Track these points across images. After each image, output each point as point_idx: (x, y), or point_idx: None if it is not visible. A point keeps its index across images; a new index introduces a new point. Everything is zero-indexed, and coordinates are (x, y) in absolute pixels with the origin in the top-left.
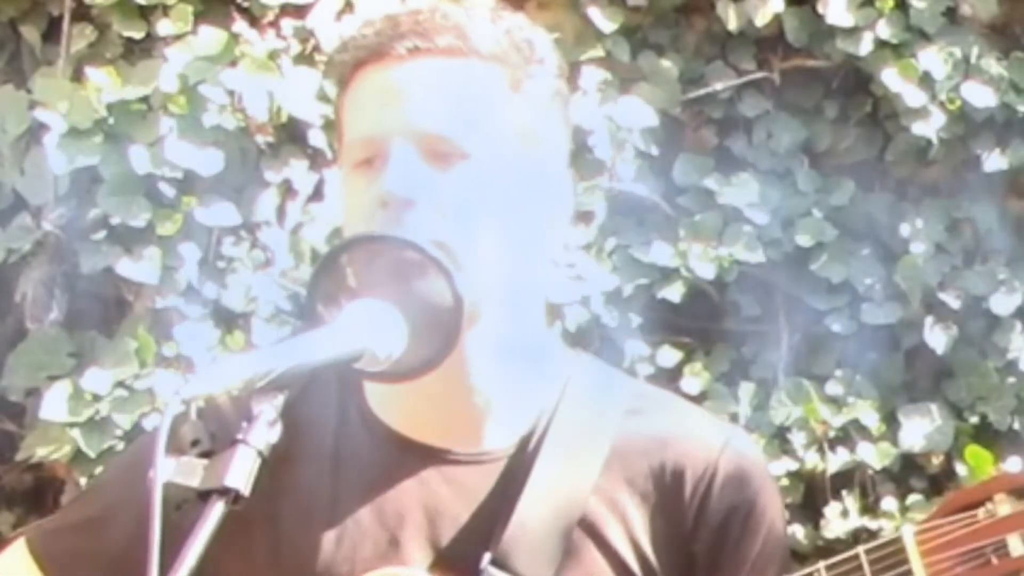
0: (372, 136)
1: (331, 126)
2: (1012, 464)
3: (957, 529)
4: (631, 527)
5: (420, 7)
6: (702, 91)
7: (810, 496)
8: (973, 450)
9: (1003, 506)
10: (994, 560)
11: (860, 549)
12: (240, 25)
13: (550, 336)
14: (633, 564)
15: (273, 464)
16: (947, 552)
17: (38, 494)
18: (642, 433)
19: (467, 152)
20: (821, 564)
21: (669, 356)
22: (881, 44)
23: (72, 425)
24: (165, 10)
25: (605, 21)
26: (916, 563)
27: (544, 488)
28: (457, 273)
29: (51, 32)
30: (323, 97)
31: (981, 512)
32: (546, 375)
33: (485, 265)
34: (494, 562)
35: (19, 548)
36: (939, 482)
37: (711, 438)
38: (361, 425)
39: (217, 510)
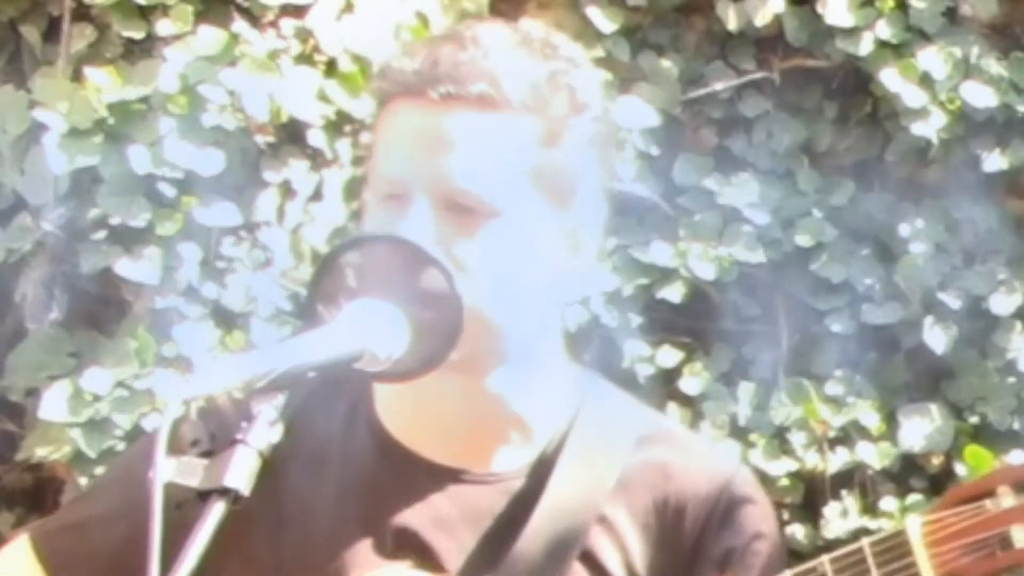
0: (398, 179)
1: (331, 126)
2: (1014, 457)
3: (961, 521)
4: (630, 558)
5: (464, 40)
6: (702, 91)
7: (810, 496)
8: (973, 450)
9: (1006, 498)
10: (998, 552)
11: (865, 542)
12: (240, 25)
13: (565, 362)
14: None
15: (277, 465)
16: (951, 544)
17: (38, 494)
18: (649, 464)
19: (494, 210)
20: (825, 557)
21: (669, 356)
22: (881, 44)
23: (72, 425)
24: (165, 10)
25: (605, 21)
26: (920, 555)
27: (551, 513)
28: (477, 323)
29: (51, 32)
30: (323, 97)
31: (985, 504)
32: (560, 399)
33: (507, 315)
34: None
35: (21, 545)
36: (939, 482)
37: (715, 474)
38: (368, 435)
39: (217, 510)
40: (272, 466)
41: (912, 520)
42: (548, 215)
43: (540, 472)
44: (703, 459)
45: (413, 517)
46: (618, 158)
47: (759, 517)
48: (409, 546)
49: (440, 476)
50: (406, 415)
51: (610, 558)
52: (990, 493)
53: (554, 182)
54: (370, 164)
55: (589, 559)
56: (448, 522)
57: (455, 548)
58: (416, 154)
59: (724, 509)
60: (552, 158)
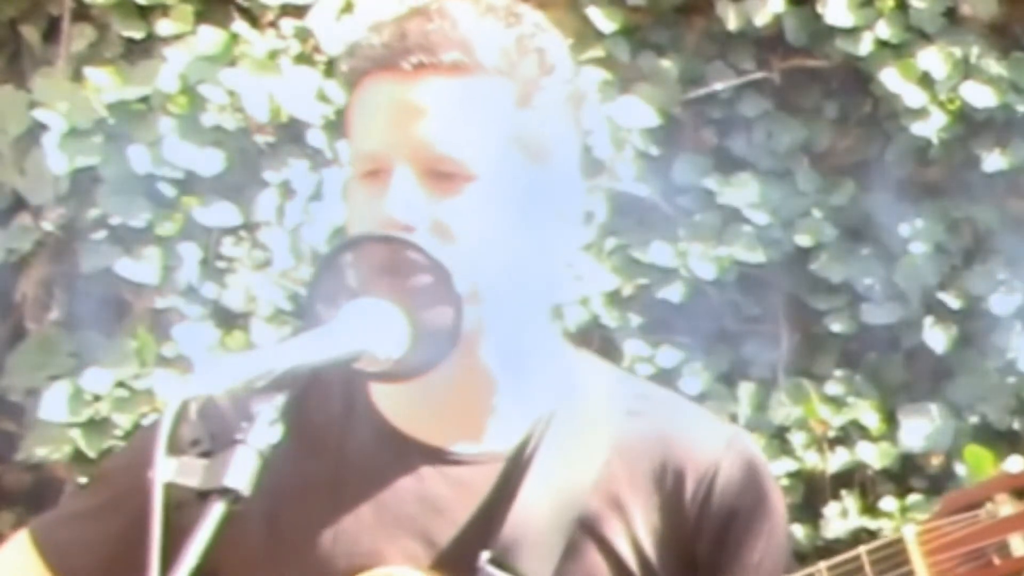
0: (376, 153)
1: (331, 126)
2: (1013, 464)
3: (959, 529)
4: (632, 527)
5: (431, 13)
6: (702, 91)
7: (810, 496)
8: (973, 450)
9: (1004, 506)
10: (996, 560)
11: (862, 549)
12: (240, 25)
13: (554, 336)
14: (633, 564)
15: (274, 462)
16: (949, 552)
17: (38, 494)
18: (643, 433)
19: (473, 173)
20: (822, 564)
21: (669, 356)
22: (881, 44)
23: (72, 425)
24: (165, 10)
25: (605, 21)
26: (918, 563)
27: (543, 487)
28: (464, 292)
29: (51, 32)
30: (323, 97)
31: (982, 512)
32: (548, 375)
33: (492, 282)
34: (492, 561)
35: (22, 539)
36: (939, 482)
37: (713, 439)
38: (365, 422)
39: (217, 510)
40: (271, 462)
41: (909, 528)
42: (527, 176)
43: (529, 448)
44: (700, 424)
45: (410, 499)
46: (592, 119)
47: (760, 479)
48: (407, 528)
49: (434, 457)
50: (400, 396)
51: (613, 529)
52: (988, 500)
53: (530, 143)
54: (349, 148)
55: (592, 530)
56: (443, 502)
57: (451, 528)
58: (393, 125)
59: (726, 471)
60: (527, 119)
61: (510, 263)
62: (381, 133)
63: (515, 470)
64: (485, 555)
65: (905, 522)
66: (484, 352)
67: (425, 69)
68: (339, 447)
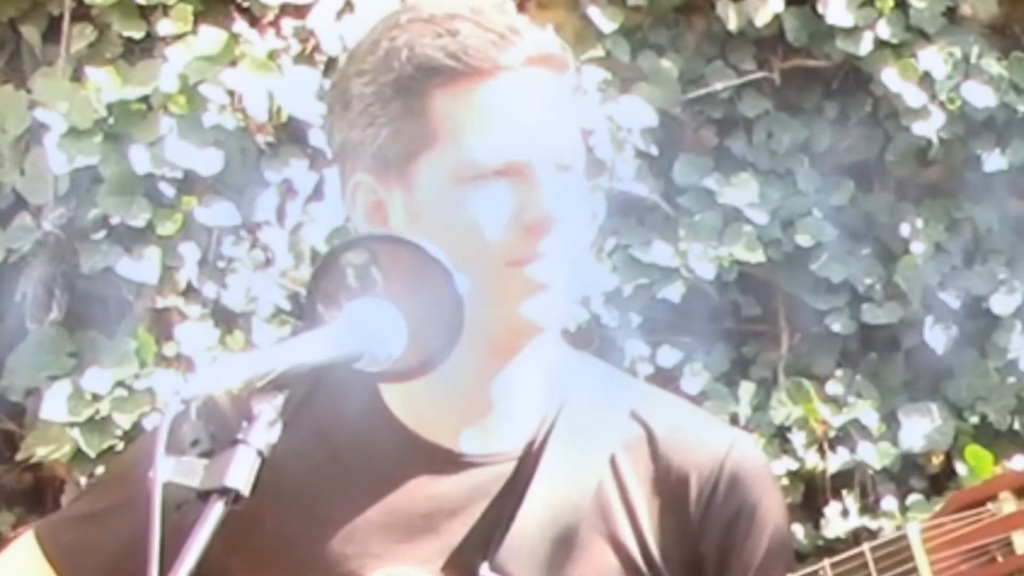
0: (516, 153)
1: None
2: (1017, 462)
3: (962, 527)
4: (639, 527)
5: (483, 12)
6: (702, 91)
7: (810, 496)
8: (973, 450)
9: (1007, 504)
10: (999, 557)
11: (865, 547)
12: (240, 25)
13: (557, 337)
14: (641, 564)
15: (280, 462)
16: (952, 550)
17: (38, 494)
18: (647, 436)
19: (575, 164)
20: (826, 562)
21: (669, 356)
22: (881, 44)
23: (72, 425)
24: (165, 10)
25: (605, 21)
26: (921, 561)
27: (547, 489)
28: (562, 287)
29: (51, 32)
30: (323, 97)
31: (986, 510)
32: (553, 377)
33: (574, 277)
34: (493, 567)
35: (28, 540)
36: (939, 482)
37: (716, 440)
38: (376, 421)
39: (217, 510)
40: (278, 462)
41: (913, 525)
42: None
43: (533, 452)
44: (703, 426)
45: (419, 499)
46: (586, 118)
47: (764, 478)
48: (417, 528)
49: (443, 456)
50: (410, 395)
51: (621, 528)
52: (992, 498)
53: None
54: (435, 155)
55: (601, 529)
56: (452, 502)
57: (461, 528)
58: (528, 122)
59: (729, 472)
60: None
61: (580, 259)
62: (518, 132)
63: (522, 471)
64: (485, 565)
65: (905, 522)
66: (519, 359)
67: (533, 62)
68: (349, 446)
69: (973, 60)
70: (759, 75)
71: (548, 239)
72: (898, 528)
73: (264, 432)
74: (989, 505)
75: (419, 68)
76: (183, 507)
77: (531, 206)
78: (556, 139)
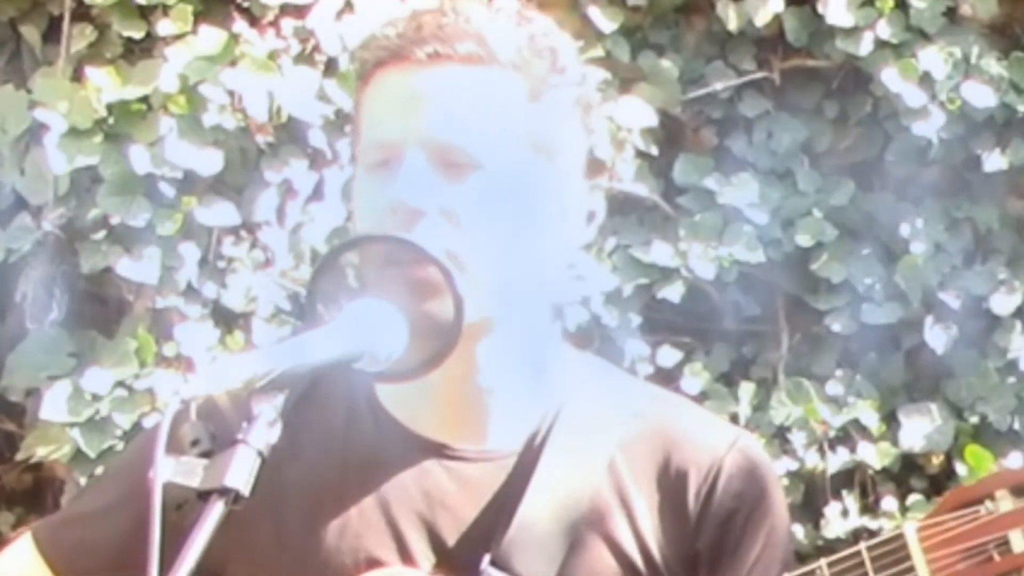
0: (387, 141)
1: (331, 126)
2: (1013, 460)
3: (959, 525)
4: (637, 525)
5: (445, 10)
6: (702, 91)
7: (810, 496)
8: (973, 450)
9: (1004, 502)
10: (996, 556)
11: (862, 546)
12: (240, 25)
13: (556, 337)
14: (639, 562)
15: (278, 461)
16: (949, 548)
17: (38, 494)
18: (647, 433)
19: (481, 162)
20: (823, 561)
21: (669, 356)
22: (881, 44)
23: (72, 425)
24: (165, 10)
25: (605, 21)
26: (918, 559)
27: (547, 488)
28: (467, 283)
29: (51, 32)
30: (323, 97)
31: (983, 508)
32: (552, 376)
33: (496, 274)
34: (494, 563)
35: (25, 541)
36: (939, 482)
37: (716, 438)
38: (371, 419)
39: (217, 510)
40: (275, 461)
41: (910, 524)
42: (533, 170)
43: (534, 448)
44: (703, 424)
45: (416, 496)
46: (599, 127)
47: (764, 477)
48: (413, 525)
49: (439, 454)
50: (406, 394)
51: (619, 527)
52: (988, 497)
53: (538, 138)
54: (356, 142)
55: (598, 529)
56: (449, 500)
57: (458, 526)
58: (405, 113)
59: (728, 470)
60: (536, 114)
61: (514, 257)
62: (393, 120)
63: (521, 469)
64: (487, 558)
65: (905, 522)
66: (488, 355)
67: (440, 58)
68: (345, 444)
69: (973, 60)
70: (759, 75)
71: (415, 229)
72: (898, 527)
73: (264, 432)
74: (986, 503)
75: (363, 61)
76: (183, 507)
77: (389, 191)
78: (439, 132)
